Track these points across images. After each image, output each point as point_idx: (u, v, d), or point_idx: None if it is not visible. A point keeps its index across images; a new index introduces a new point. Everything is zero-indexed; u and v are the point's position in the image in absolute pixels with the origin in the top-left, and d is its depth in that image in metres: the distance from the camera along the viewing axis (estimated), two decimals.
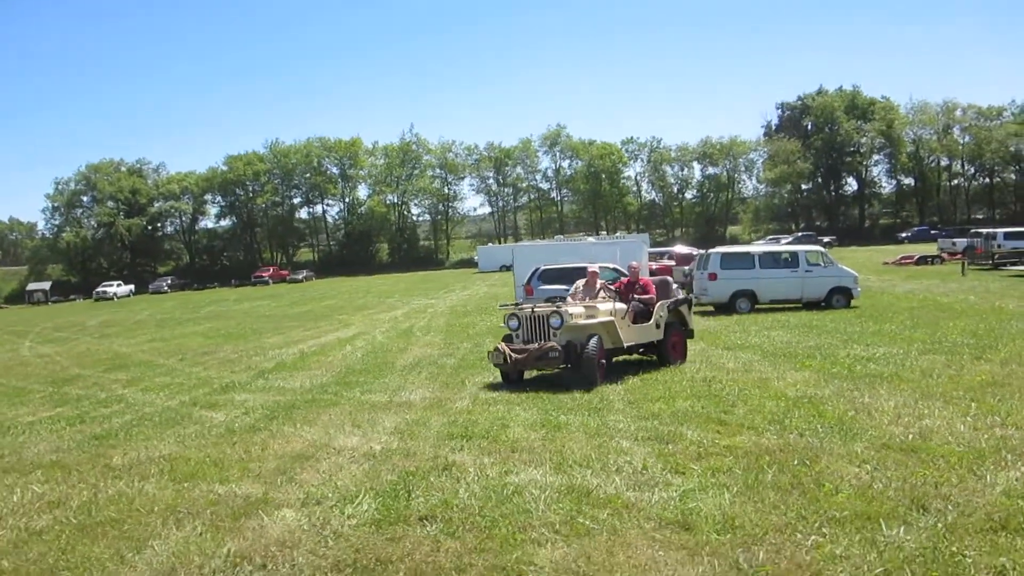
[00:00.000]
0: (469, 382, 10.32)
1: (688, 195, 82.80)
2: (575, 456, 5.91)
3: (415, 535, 4.39)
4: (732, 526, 4.25)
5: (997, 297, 19.43)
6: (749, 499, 4.69)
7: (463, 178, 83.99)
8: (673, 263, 29.60)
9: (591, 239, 38.30)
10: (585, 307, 10.06)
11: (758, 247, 25.47)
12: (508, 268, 57.73)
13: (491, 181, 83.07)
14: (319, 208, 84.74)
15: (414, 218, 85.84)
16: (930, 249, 43.74)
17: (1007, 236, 35.65)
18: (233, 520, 4.93)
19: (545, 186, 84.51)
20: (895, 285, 25.99)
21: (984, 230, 40.15)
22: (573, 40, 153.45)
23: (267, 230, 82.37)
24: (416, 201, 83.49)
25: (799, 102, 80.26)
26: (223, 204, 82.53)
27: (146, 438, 7.93)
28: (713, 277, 19.68)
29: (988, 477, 4.89)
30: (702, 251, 23.92)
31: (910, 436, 5.98)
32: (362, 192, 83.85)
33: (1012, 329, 12.80)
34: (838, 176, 78.67)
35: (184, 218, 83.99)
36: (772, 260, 20.31)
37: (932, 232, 59.93)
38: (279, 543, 4.41)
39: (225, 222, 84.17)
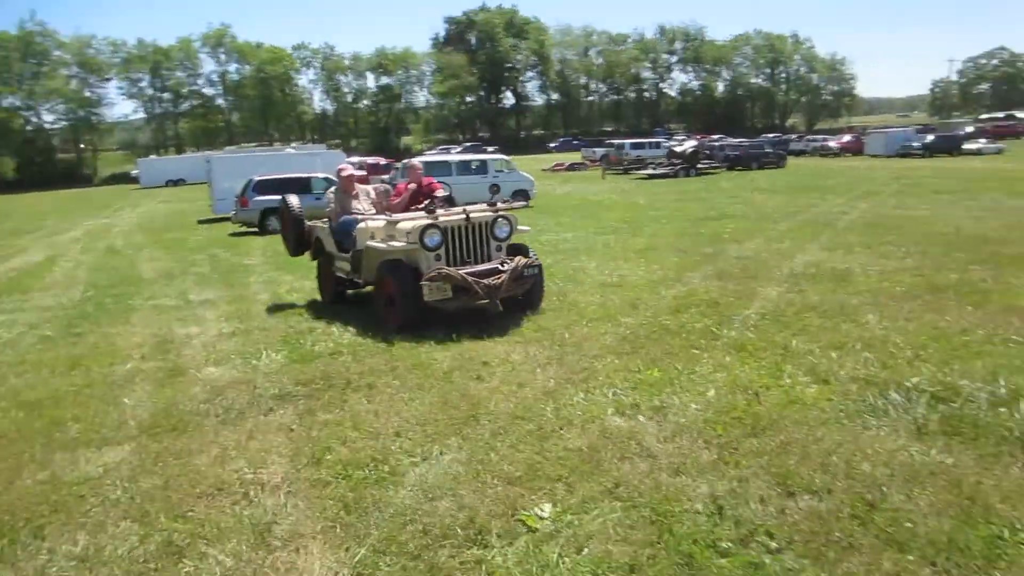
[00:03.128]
0: (250, 281, 11.32)
1: (362, 105, 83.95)
2: None
3: (340, 361, 6.13)
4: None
5: (631, 195, 25.16)
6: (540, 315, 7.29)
7: (109, 79, 74.40)
8: (365, 173, 31.46)
9: (290, 149, 38.00)
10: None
11: (454, 156, 28.55)
12: (176, 183, 53.80)
13: (145, 85, 74.89)
14: None
15: (47, 126, 73.96)
16: (575, 157, 51.71)
17: (633, 146, 44.04)
18: (172, 379, 6.00)
19: (210, 92, 78.87)
20: (555, 188, 31.24)
21: (616, 141, 48.77)
22: None
23: None
24: (48, 106, 71.88)
25: (464, 17, 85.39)
26: None
27: None
28: None
29: (663, 293, 8.25)
30: (395, 161, 26.18)
31: (614, 279, 9.23)
32: None
33: (648, 216, 17.55)
34: (498, 90, 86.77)
35: None
36: (466, 167, 23.47)
37: (575, 142, 69.97)
38: (236, 382, 5.76)
39: None
